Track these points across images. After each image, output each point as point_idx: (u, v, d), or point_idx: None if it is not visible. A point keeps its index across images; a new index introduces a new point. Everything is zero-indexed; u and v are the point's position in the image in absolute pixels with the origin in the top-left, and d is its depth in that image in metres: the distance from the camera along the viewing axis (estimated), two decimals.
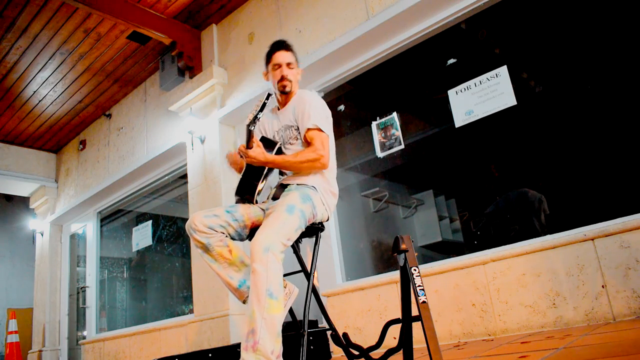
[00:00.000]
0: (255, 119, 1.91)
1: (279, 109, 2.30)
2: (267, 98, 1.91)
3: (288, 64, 2.21)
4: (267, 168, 2.08)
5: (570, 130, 3.31)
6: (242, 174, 2.13)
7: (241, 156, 2.02)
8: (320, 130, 2.08)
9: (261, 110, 1.90)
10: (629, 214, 2.46)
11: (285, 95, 2.24)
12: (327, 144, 2.08)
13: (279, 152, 2.12)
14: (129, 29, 4.57)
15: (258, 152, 1.99)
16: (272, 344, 1.67)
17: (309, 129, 2.08)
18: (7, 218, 9.05)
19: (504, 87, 3.03)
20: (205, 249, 2.02)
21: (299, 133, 2.14)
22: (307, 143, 2.09)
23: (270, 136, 2.26)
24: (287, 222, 1.86)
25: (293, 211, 1.90)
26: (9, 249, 8.97)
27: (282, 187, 2.14)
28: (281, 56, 2.21)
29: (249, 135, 1.97)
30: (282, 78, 2.19)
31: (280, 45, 2.23)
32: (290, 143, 2.18)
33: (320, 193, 2.08)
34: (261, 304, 1.69)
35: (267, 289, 1.71)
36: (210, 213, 2.02)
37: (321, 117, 2.11)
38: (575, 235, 2.53)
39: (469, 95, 3.18)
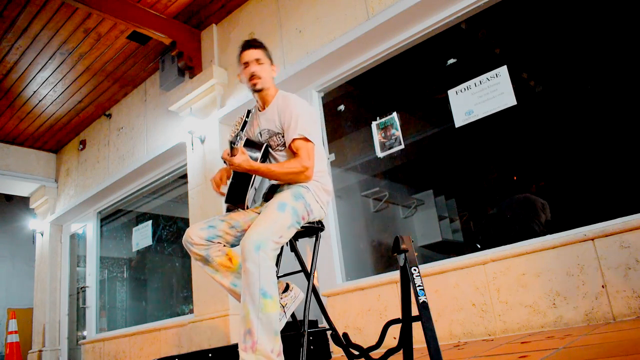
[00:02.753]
0: (237, 136, 1.91)
1: (260, 110, 2.24)
2: (247, 115, 1.95)
3: (257, 60, 2.15)
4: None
5: (570, 130, 3.31)
6: (230, 179, 2.10)
7: (225, 163, 1.98)
8: (306, 139, 2.02)
9: (242, 128, 1.94)
10: (629, 214, 2.46)
11: (259, 93, 2.18)
12: (312, 154, 2.02)
13: (266, 152, 2.10)
14: (129, 29, 4.57)
15: (243, 160, 1.93)
16: (271, 343, 1.66)
17: (294, 139, 2.02)
18: (7, 218, 9.05)
19: (504, 87, 3.03)
20: (205, 260, 2.02)
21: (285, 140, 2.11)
22: (293, 152, 2.05)
23: (253, 135, 2.23)
24: (278, 220, 1.84)
25: (284, 209, 1.89)
26: (9, 249, 8.97)
27: (273, 187, 2.14)
28: (248, 54, 2.17)
29: (232, 148, 1.95)
30: (251, 76, 2.14)
31: (247, 44, 2.20)
32: (278, 150, 2.13)
33: (312, 191, 2.05)
34: (255, 304, 1.68)
35: (261, 288, 1.69)
36: (206, 225, 2.02)
37: (307, 124, 2.05)
38: (575, 235, 2.53)
39: (469, 95, 3.18)
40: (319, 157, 2.15)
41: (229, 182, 2.11)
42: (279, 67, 3.84)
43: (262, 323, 1.67)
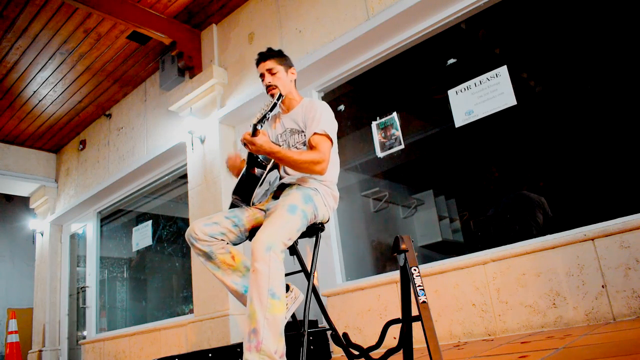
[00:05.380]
0: (263, 118, 1.88)
1: (282, 113, 2.30)
2: (279, 99, 1.90)
3: (269, 70, 2.21)
4: (267, 171, 2.04)
5: (570, 130, 3.31)
6: (241, 173, 2.10)
7: (244, 144, 1.95)
8: (328, 137, 2.06)
9: (271, 110, 1.88)
10: (629, 214, 2.46)
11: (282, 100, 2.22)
12: (330, 152, 2.05)
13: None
14: (129, 29, 4.57)
15: (264, 140, 1.92)
16: (275, 344, 1.66)
17: (316, 133, 2.05)
18: (7, 218, 9.05)
19: (504, 87, 3.03)
20: (208, 257, 2.01)
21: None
22: (310, 147, 2.07)
23: (272, 139, 2.25)
24: (289, 222, 1.85)
25: (295, 211, 1.89)
26: (9, 249, 8.97)
27: (282, 186, 2.14)
28: (261, 67, 2.23)
29: (255, 131, 1.93)
30: (267, 87, 2.21)
31: (260, 57, 2.25)
32: (296, 147, 2.16)
33: (322, 194, 2.07)
34: (263, 304, 1.68)
35: (269, 288, 1.70)
36: (210, 221, 2.01)
37: (330, 125, 2.11)
38: (575, 235, 2.53)
39: (469, 95, 3.18)
40: (334, 164, 2.17)
41: (239, 177, 2.10)
42: None
43: (269, 323, 1.67)
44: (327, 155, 2.02)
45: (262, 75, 2.23)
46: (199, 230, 1.98)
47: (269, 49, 2.28)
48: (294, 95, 2.27)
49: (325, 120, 2.09)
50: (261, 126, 1.92)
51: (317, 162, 1.98)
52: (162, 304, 6.19)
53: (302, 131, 2.16)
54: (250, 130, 1.94)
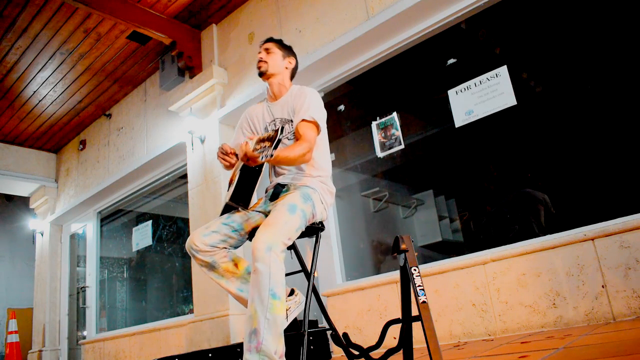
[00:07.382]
0: (270, 155, 1.74)
1: (269, 101, 2.29)
2: (282, 132, 1.78)
3: (266, 49, 2.27)
4: (261, 172, 2.02)
5: (570, 130, 3.31)
6: (236, 179, 2.04)
7: (247, 160, 1.85)
8: (315, 124, 2.06)
9: (275, 147, 1.75)
10: (629, 214, 2.46)
11: (266, 79, 2.26)
12: (315, 139, 2.05)
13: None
14: (129, 29, 4.57)
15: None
16: (275, 345, 1.66)
17: (304, 120, 2.05)
18: (7, 218, 9.05)
19: (504, 87, 3.03)
20: (211, 267, 1.99)
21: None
22: (297, 134, 2.06)
23: (260, 128, 2.24)
24: (289, 222, 1.85)
25: (295, 211, 1.89)
26: (9, 249, 8.97)
27: (279, 186, 2.14)
28: (261, 47, 2.31)
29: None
30: (258, 61, 2.26)
31: (263, 40, 2.35)
32: (287, 138, 2.15)
33: (319, 192, 2.07)
34: (264, 305, 1.68)
35: (270, 288, 1.69)
36: (208, 230, 1.99)
37: (319, 113, 2.10)
38: (575, 235, 2.53)
39: (469, 95, 3.18)
40: (326, 159, 2.17)
41: (235, 181, 2.07)
42: None
43: (269, 324, 1.67)
44: (313, 142, 2.03)
45: (259, 53, 2.29)
46: (199, 241, 1.95)
47: (273, 37, 2.35)
48: (285, 82, 2.27)
49: (314, 107, 2.09)
50: (261, 158, 1.77)
51: (305, 153, 1.99)
52: (162, 304, 6.19)
53: (292, 120, 2.15)
54: (250, 144, 1.83)
